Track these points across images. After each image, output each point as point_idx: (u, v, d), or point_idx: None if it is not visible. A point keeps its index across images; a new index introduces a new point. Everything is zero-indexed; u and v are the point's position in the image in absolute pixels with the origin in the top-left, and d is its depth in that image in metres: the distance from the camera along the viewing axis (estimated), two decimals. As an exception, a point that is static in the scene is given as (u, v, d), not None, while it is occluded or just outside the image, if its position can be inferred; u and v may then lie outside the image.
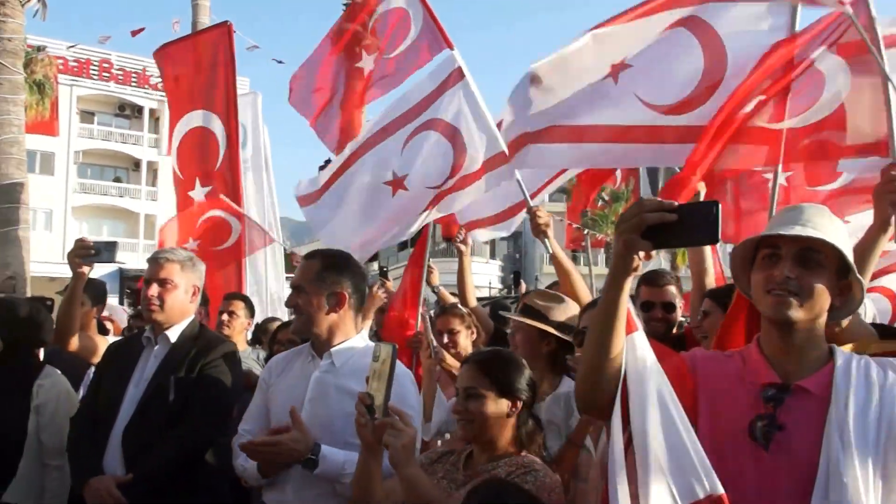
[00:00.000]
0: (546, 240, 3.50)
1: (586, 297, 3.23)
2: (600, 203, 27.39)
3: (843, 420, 1.49)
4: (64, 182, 32.82)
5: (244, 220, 5.65)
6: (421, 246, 4.23)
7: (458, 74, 4.05)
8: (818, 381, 1.56)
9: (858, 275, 1.60)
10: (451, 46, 4.13)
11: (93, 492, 2.65)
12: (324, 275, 2.47)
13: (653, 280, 3.24)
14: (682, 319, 3.54)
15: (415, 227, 4.18)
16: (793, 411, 1.54)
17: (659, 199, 1.44)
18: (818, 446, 1.49)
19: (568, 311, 2.86)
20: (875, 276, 4.91)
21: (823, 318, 1.61)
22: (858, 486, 1.43)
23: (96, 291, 3.95)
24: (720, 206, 1.39)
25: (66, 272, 3.22)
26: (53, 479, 3.04)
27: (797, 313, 1.55)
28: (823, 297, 1.56)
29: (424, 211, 4.08)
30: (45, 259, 21.14)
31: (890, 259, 4.71)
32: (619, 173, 7.75)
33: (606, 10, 5.22)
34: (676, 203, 1.42)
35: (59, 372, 3.29)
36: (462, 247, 4.46)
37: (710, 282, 3.08)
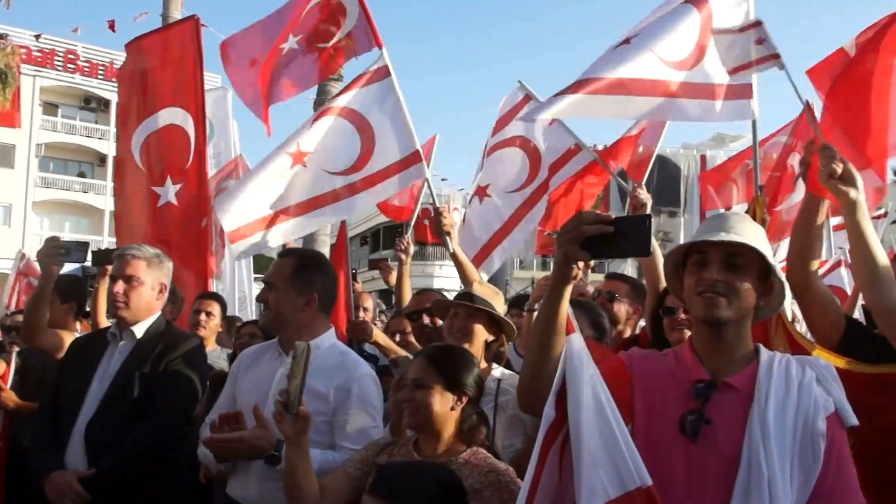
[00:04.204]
0: (448, 239, 3.75)
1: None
2: (571, 210, 27.63)
3: (763, 415, 1.59)
4: (24, 176, 31.88)
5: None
6: (340, 248, 4.46)
7: (383, 72, 4.21)
8: (743, 378, 1.67)
9: (797, 269, 1.75)
10: (380, 45, 4.33)
11: (54, 486, 2.63)
12: (296, 274, 2.54)
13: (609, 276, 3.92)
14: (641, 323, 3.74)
15: (319, 220, 4.35)
16: (719, 406, 1.64)
17: (597, 211, 1.55)
18: (741, 439, 1.59)
19: (503, 303, 3.05)
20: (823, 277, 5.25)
21: (749, 319, 1.73)
22: (776, 476, 1.54)
23: (65, 288, 3.84)
24: (652, 219, 1.52)
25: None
26: None
27: (726, 312, 1.67)
28: (749, 297, 1.69)
29: (329, 203, 4.20)
30: (2, 255, 20.49)
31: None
32: None
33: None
34: (613, 216, 1.53)
35: None
36: (402, 255, 4.73)
37: (663, 286, 3.21)
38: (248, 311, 6.53)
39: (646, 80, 3.48)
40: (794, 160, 5.16)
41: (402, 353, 3.71)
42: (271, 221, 4.27)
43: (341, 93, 4.36)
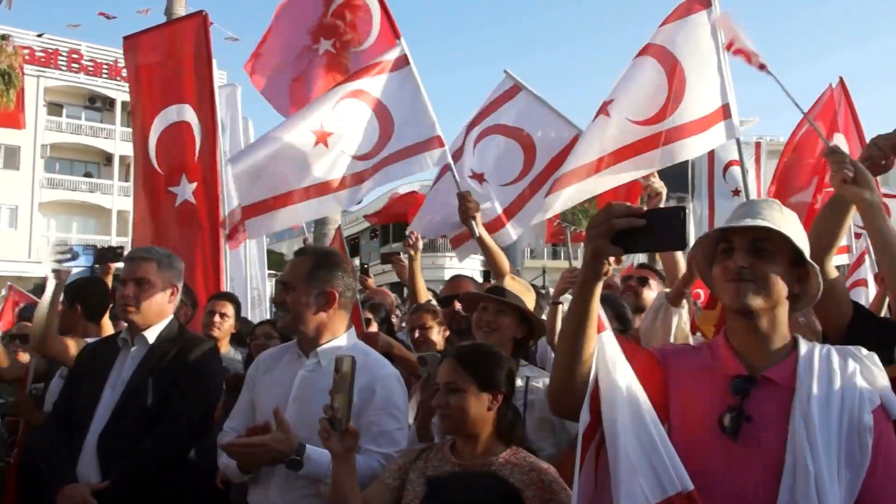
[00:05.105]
0: (473, 223, 3.70)
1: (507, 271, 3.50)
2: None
3: (806, 409, 1.52)
4: (30, 177, 31.99)
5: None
6: (339, 247, 4.54)
7: (402, 60, 4.28)
8: (783, 371, 1.60)
9: (812, 260, 1.63)
10: (398, 36, 4.41)
11: (66, 499, 2.56)
12: (314, 273, 2.44)
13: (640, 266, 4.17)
14: None
15: (335, 203, 4.33)
16: (759, 402, 1.57)
17: (627, 203, 1.46)
18: (784, 436, 1.52)
19: (534, 300, 2.95)
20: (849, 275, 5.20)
21: (785, 308, 1.64)
22: (823, 473, 1.46)
23: (74, 292, 3.75)
24: (686, 211, 1.42)
25: (33, 271, 3.17)
26: None
27: (755, 300, 1.59)
28: (778, 284, 1.60)
29: (346, 187, 4.22)
30: (9, 257, 20.53)
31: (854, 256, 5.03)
32: None
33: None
34: (645, 208, 1.44)
35: None
36: (412, 251, 4.72)
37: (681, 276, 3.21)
38: (264, 308, 6.47)
39: (625, 147, 3.87)
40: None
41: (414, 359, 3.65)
42: (286, 201, 4.29)
43: (360, 74, 4.34)
